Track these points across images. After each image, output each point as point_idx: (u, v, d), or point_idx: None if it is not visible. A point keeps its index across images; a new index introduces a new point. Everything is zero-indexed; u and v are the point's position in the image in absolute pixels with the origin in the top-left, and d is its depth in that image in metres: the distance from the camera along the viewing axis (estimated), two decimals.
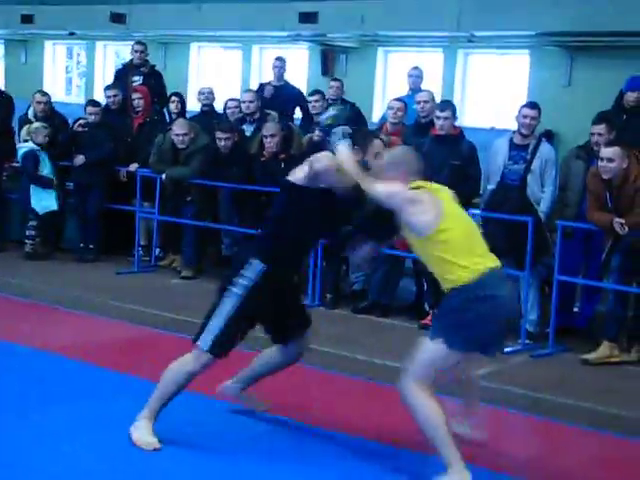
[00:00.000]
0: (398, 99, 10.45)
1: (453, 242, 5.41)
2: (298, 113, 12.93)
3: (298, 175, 5.76)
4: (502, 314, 5.48)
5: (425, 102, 9.97)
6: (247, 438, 6.08)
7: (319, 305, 9.70)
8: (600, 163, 8.04)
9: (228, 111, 11.95)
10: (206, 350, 5.63)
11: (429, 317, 8.99)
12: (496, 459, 5.99)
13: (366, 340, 8.52)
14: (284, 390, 6.79)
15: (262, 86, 12.95)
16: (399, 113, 9.97)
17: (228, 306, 5.67)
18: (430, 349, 5.42)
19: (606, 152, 7.98)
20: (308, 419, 6.45)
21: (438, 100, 10.38)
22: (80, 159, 11.51)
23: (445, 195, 5.66)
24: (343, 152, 5.66)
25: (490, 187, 9.12)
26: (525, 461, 6.08)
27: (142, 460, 5.52)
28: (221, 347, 5.69)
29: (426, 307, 9.36)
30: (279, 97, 12.44)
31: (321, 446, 6.04)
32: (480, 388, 6.02)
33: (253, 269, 5.72)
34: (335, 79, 12.48)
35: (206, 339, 5.64)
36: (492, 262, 5.49)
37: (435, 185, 5.70)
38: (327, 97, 11.73)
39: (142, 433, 5.63)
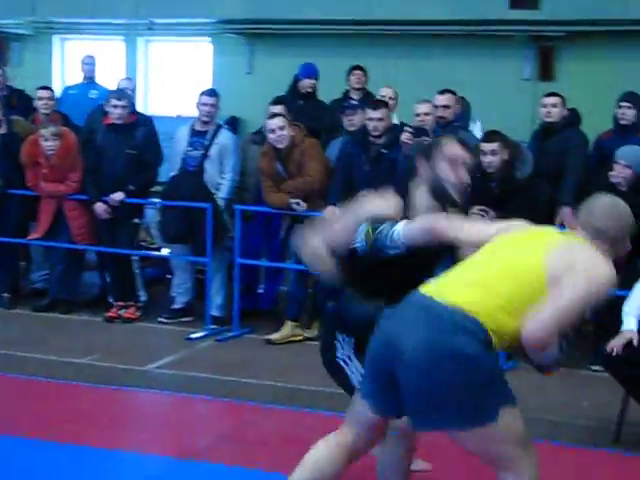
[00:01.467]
0: (45, 87, 10.26)
1: None
2: None
3: None
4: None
5: (119, 91, 9.93)
6: None
7: None
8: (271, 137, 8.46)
9: None
10: None
11: (114, 310, 9.10)
12: (186, 445, 6.21)
13: (47, 338, 8.41)
14: None
15: None
16: (50, 102, 9.82)
17: None
18: None
19: (272, 123, 8.44)
20: None
21: None
22: None
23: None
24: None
25: (172, 174, 9.25)
26: (214, 442, 6.27)
27: None
28: None
29: (110, 300, 9.35)
30: None
31: None
32: None
33: None
34: None
35: None
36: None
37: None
38: None
39: None
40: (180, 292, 9.28)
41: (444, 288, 3.85)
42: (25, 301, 9.66)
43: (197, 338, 8.55)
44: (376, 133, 8.23)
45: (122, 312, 9.11)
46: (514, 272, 3.80)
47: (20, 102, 10.84)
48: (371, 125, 8.24)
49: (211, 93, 9.35)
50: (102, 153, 9.11)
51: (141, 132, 9.31)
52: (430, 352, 3.67)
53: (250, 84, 13.51)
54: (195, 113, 9.38)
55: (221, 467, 5.76)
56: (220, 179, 9.04)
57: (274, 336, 8.43)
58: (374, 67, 10.72)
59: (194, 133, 9.17)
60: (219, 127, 9.28)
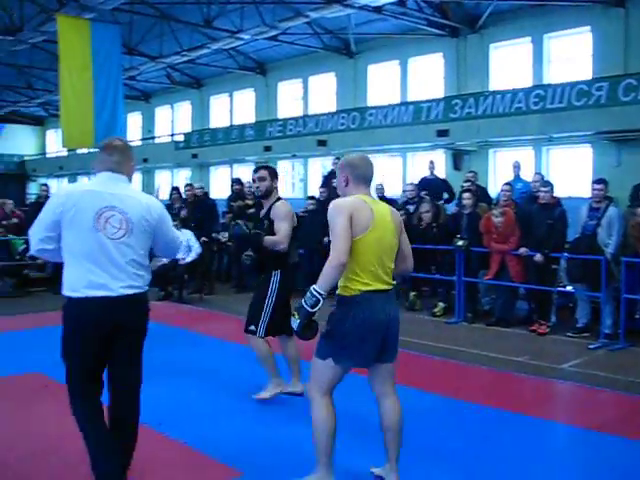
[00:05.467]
0: (507, 183, 10.00)
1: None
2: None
3: None
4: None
5: (536, 182, 9.77)
6: None
7: (462, 321, 9.39)
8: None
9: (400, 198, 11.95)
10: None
11: (535, 325, 8.76)
12: (593, 419, 5.73)
13: (494, 343, 8.23)
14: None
15: (423, 179, 12.43)
16: (508, 193, 9.54)
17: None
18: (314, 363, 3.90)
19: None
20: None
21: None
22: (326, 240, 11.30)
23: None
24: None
25: (576, 236, 8.80)
26: (617, 421, 5.77)
27: None
28: None
29: (534, 319, 8.95)
30: (431, 185, 11.96)
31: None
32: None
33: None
34: (471, 171, 12.20)
35: None
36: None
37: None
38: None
39: None
40: (582, 316, 8.71)
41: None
42: (480, 318, 9.51)
43: (595, 347, 7.98)
44: None
45: (539, 328, 8.71)
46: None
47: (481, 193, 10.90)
48: None
49: (599, 181, 8.81)
50: (530, 223, 8.88)
51: (558, 209, 8.91)
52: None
53: (619, 173, 12.75)
54: (582, 194, 8.94)
55: (623, 440, 5.19)
56: (608, 240, 8.40)
57: None
58: None
59: (591, 208, 8.64)
60: (608, 205, 8.67)
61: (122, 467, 3.74)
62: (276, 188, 5.56)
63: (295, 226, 5.51)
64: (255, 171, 5.64)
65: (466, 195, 9.72)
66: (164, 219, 3.95)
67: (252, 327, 5.44)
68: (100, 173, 3.85)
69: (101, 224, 3.68)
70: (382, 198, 11.92)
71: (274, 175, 5.59)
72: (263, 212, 5.58)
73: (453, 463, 4.45)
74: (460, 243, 9.22)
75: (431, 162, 12.72)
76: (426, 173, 12.62)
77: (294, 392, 5.66)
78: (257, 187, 5.58)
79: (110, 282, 3.67)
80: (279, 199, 5.54)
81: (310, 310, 3.61)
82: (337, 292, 3.76)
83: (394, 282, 3.85)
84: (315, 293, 3.59)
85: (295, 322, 3.66)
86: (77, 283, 3.67)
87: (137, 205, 3.80)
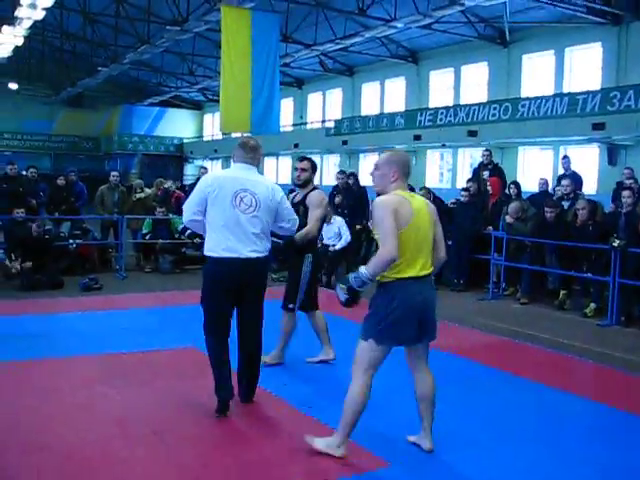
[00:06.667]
0: None
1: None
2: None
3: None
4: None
5: None
6: None
7: (615, 324, 8.77)
8: None
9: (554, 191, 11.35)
10: None
11: None
12: None
13: None
14: None
15: (560, 177, 11.52)
16: None
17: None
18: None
19: None
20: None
21: None
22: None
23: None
24: None
25: None
26: None
27: None
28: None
29: None
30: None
31: None
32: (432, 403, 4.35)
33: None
34: (628, 167, 11.43)
35: None
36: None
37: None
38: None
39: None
40: None
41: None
42: (635, 322, 8.79)
43: None
44: None
45: None
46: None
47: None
48: None
49: None
50: None
51: None
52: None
53: None
54: None
55: None
56: None
57: None
58: None
59: None
60: None
61: (231, 393, 4.86)
62: (312, 180, 6.08)
63: (326, 213, 6.15)
64: (300, 160, 6.13)
65: (626, 193, 9.18)
66: (283, 200, 5.01)
67: (291, 305, 6.01)
68: (238, 163, 4.94)
69: (237, 202, 4.73)
70: (545, 192, 11.44)
71: (314, 168, 6.15)
72: (298, 198, 6.02)
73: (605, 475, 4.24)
74: (616, 243, 8.72)
75: (565, 157, 12.01)
76: (579, 167, 11.93)
77: (327, 359, 6.28)
78: (298, 176, 6.02)
79: (240, 247, 4.71)
80: (315, 188, 6.04)
81: (357, 289, 4.03)
82: (377, 279, 4.06)
83: (432, 269, 4.17)
84: (364, 277, 3.96)
85: (342, 295, 4.06)
86: (216, 246, 4.72)
87: (264, 188, 4.87)
